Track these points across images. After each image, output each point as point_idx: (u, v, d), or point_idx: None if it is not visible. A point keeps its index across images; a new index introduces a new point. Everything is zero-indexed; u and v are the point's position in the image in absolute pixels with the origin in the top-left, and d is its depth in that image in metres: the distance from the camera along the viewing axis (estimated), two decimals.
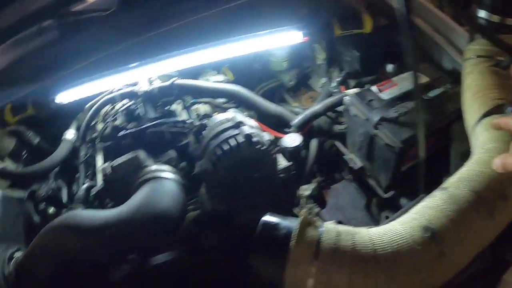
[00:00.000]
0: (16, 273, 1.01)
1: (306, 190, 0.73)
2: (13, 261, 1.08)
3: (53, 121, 1.35)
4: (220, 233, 1.09)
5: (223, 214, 1.07)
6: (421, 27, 1.17)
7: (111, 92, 1.19)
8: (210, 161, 0.96)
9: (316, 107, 1.18)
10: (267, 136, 1.01)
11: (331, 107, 1.17)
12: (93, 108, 1.20)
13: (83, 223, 0.94)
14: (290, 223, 0.73)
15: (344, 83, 1.26)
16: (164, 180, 0.98)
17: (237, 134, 0.96)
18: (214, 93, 1.13)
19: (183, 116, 1.14)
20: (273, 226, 0.72)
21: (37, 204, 1.22)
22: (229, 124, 0.99)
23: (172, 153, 1.06)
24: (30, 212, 1.21)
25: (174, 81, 1.08)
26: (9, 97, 1.29)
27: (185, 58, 1.23)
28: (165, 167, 1.02)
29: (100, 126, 1.25)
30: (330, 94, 1.26)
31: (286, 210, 1.20)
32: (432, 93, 1.09)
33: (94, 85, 1.25)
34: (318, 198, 1.16)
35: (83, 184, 1.15)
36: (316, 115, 1.17)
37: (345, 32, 1.18)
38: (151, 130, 1.05)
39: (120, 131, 1.09)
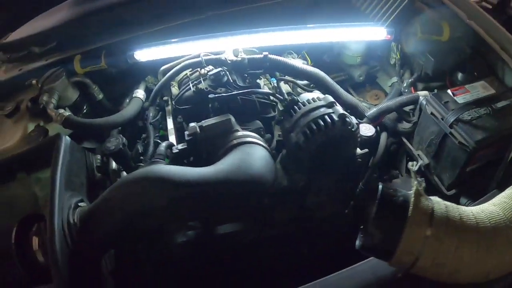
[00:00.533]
0: (82, 221, 1.02)
1: (413, 165, 0.86)
2: (78, 210, 1.10)
3: (123, 78, 1.39)
4: (293, 210, 1.18)
5: (298, 191, 1.16)
6: (490, 43, 1.35)
7: (193, 58, 1.26)
8: (303, 134, 1.05)
9: (389, 102, 1.31)
10: (354, 119, 1.13)
11: (404, 105, 1.30)
12: (173, 70, 1.25)
13: (173, 176, 0.94)
14: (405, 192, 0.86)
15: (412, 85, 1.41)
16: (257, 146, 1.04)
17: (332, 113, 1.07)
18: (301, 74, 1.23)
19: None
20: (391, 193, 0.84)
21: (100, 158, 1.25)
22: (322, 102, 1.10)
23: (259, 123, 1.15)
24: (92, 165, 1.24)
25: (267, 55, 1.18)
26: (82, 47, 1.33)
27: (264, 36, 1.33)
28: (255, 134, 1.10)
29: (174, 90, 1.32)
30: (401, 93, 1.41)
31: (347, 198, 1.31)
32: (499, 104, 1.26)
33: (172, 48, 1.33)
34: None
35: (156, 143, 1.21)
36: (389, 110, 1.29)
37: (425, 37, 1.33)
38: (242, 97, 1.14)
39: (204, 95, 1.16)
